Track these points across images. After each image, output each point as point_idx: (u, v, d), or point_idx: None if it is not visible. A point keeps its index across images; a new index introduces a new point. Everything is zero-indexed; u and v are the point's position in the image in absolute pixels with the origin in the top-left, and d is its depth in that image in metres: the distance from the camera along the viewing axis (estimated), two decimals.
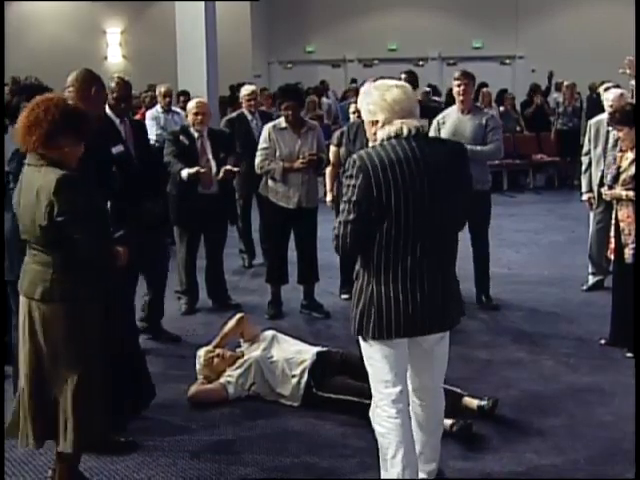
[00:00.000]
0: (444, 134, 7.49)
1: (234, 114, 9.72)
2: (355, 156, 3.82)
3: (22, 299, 4.16)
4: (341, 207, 3.85)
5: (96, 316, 4.15)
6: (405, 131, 3.79)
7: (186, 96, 11.84)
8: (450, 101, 13.20)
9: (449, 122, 7.65)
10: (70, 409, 4.10)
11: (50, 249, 4.06)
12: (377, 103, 3.88)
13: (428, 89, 15.35)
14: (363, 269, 3.90)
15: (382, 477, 4.07)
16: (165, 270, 7.05)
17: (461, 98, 7.63)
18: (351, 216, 3.77)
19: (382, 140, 3.83)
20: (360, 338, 3.99)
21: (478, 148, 7.42)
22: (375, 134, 3.90)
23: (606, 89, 8.75)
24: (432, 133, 7.59)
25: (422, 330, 3.91)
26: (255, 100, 9.51)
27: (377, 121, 3.88)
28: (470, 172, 4.09)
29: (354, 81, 19.60)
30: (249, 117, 9.29)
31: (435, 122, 7.77)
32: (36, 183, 3.98)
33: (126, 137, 6.30)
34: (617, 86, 9.18)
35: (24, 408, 4.19)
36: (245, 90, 9.55)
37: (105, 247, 4.16)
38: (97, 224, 4.10)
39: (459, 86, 7.59)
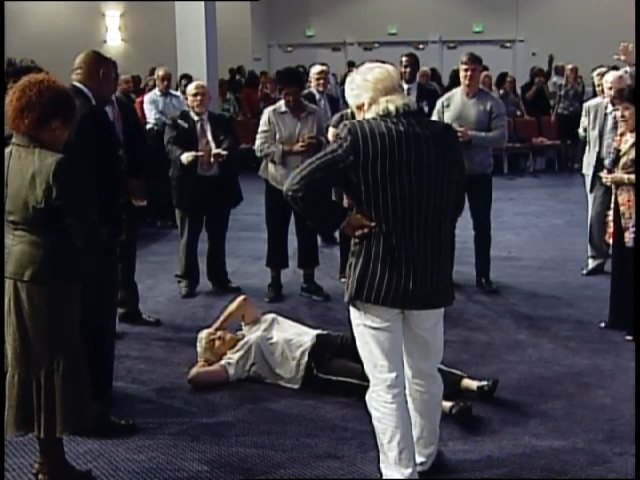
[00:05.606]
0: (447, 117, 7.46)
1: (305, 92, 8.92)
2: (347, 122, 3.90)
3: (7, 281, 4.05)
4: (320, 154, 3.89)
5: (79, 297, 4.12)
6: (392, 109, 3.83)
7: (188, 79, 11.76)
8: (453, 85, 13.16)
9: (453, 105, 7.58)
10: (60, 392, 4.04)
11: (41, 230, 3.99)
12: (360, 85, 3.94)
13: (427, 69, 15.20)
14: (355, 244, 3.93)
15: (380, 461, 4.10)
16: (134, 252, 6.84)
17: (467, 82, 7.53)
18: (322, 162, 3.80)
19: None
20: (353, 310, 3.99)
21: (482, 134, 7.41)
22: (364, 119, 3.92)
23: (602, 73, 8.64)
24: (435, 114, 7.58)
25: (410, 304, 3.90)
26: (325, 79, 9.32)
27: (363, 104, 3.93)
28: (461, 154, 4.10)
29: (352, 64, 19.44)
30: (317, 96, 9.09)
31: (439, 103, 7.72)
32: (30, 165, 3.92)
33: (114, 119, 6.23)
34: (614, 68, 9.11)
35: (10, 395, 4.07)
36: (315, 69, 9.41)
37: (97, 232, 4.10)
38: (91, 208, 4.06)
39: (466, 70, 7.50)
